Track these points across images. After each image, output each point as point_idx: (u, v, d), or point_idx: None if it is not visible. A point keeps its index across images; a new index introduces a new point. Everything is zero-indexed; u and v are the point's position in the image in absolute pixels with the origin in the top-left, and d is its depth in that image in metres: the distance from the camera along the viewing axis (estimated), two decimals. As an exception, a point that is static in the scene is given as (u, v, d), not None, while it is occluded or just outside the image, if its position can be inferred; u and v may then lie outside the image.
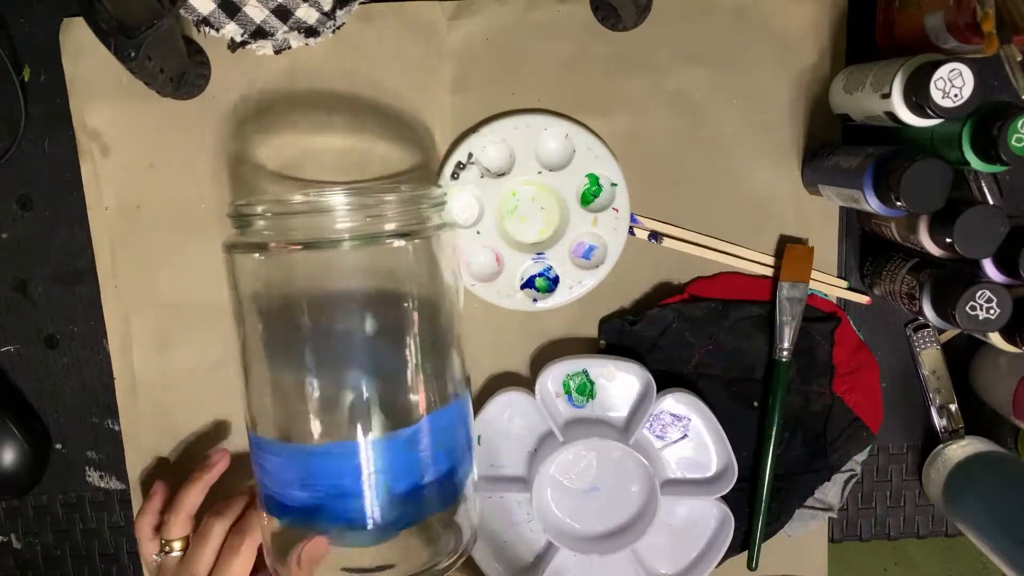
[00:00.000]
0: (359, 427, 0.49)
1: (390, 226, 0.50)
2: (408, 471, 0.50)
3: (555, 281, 0.63)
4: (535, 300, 0.63)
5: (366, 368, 0.50)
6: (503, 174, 0.62)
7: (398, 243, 0.50)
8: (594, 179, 0.62)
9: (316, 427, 0.50)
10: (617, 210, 0.62)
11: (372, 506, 0.49)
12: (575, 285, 0.62)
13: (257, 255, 0.50)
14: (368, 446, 0.49)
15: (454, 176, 0.61)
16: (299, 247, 0.48)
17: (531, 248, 0.63)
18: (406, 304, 0.51)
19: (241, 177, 0.62)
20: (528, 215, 0.63)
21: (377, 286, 0.51)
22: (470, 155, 0.61)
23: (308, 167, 0.62)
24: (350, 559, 0.50)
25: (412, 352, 0.51)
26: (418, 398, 0.51)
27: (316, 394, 0.50)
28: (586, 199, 0.63)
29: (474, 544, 0.54)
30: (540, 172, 0.61)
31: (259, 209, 0.50)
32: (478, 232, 0.62)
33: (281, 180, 0.62)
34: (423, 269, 0.53)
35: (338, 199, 0.50)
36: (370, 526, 0.49)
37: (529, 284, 0.63)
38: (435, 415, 0.51)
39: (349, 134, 0.62)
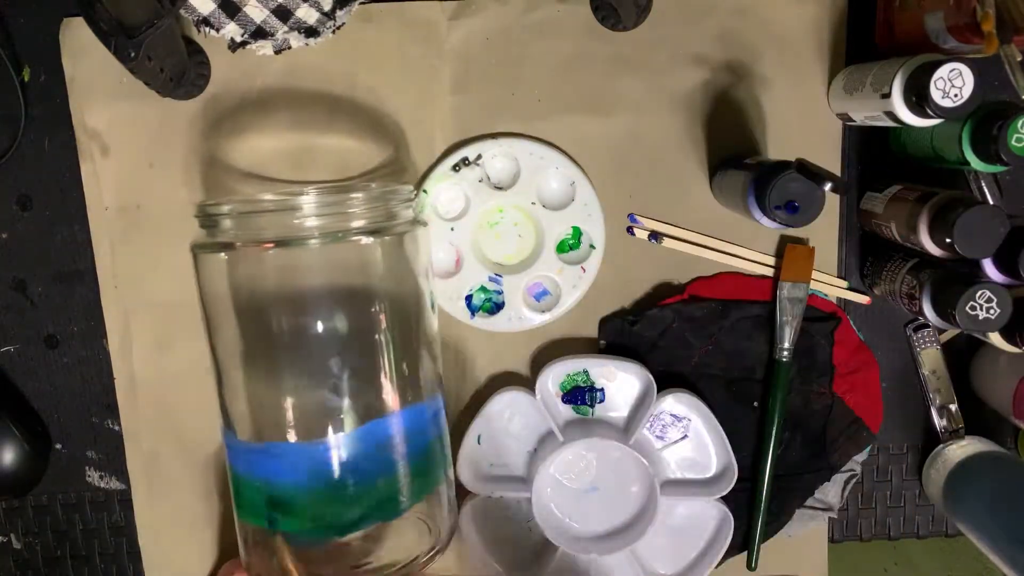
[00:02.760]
0: (330, 424, 0.49)
1: (358, 223, 0.50)
2: (380, 466, 0.50)
3: (499, 307, 0.63)
4: (472, 315, 0.63)
5: (336, 366, 0.50)
6: (500, 188, 0.62)
7: (366, 240, 0.50)
8: (577, 233, 0.63)
9: (288, 425, 0.50)
10: (584, 270, 0.62)
11: (346, 502, 0.49)
12: (514, 319, 0.63)
13: (223, 255, 0.50)
14: (340, 442, 0.49)
15: (456, 168, 0.61)
16: (265, 246, 0.48)
17: (492, 267, 0.63)
18: (376, 302, 0.51)
19: (241, 177, 0.62)
20: (504, 236, 0.63)
21: (346, 284, 0.51)
22: (479, 156, 0.61)
23: (308, 167, 0.62)
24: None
25: (383, 350, 0.51)
26: (389, 395, 0.51)
27: (287, 393, 0.50)
28: (562, 247, 0.63)
29: (448, 541, 0.54)
30: (534, 203, 0.62)
31: (224, 209, 0.50)
32: (452, 228, 0.62)
33: (281, 181, 0.62)
34: (393, 267, 0.52)
35: (305, 197, 0.49)
36: (344, 522, 0.49)
37: (470, 297, 0.63)
38: (407, 411, 0.51)
39: (349, 134, 0.62)
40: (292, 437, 0.50)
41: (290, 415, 0.50)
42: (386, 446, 0.50)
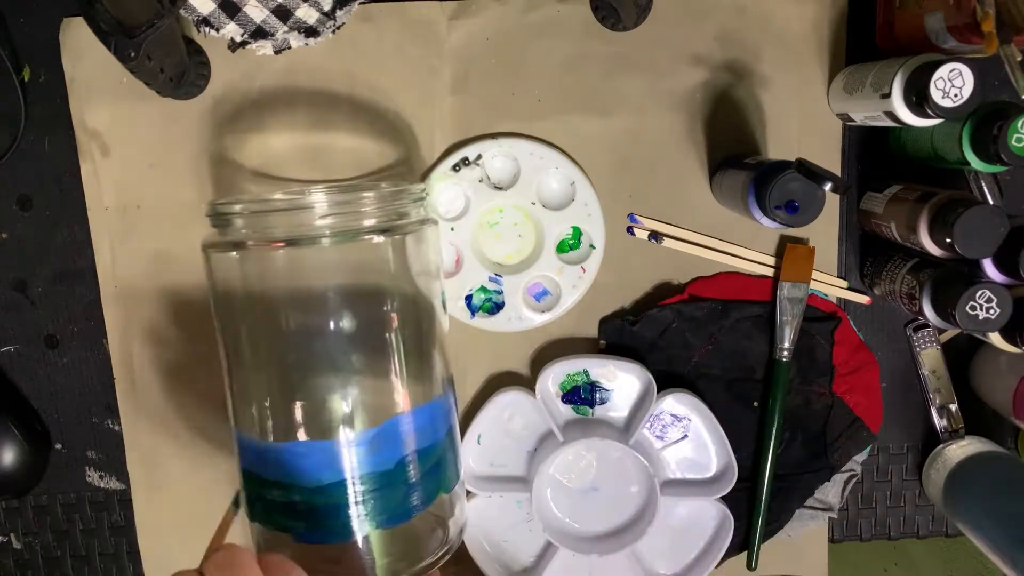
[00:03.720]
0: (341, 425, 0.49)
1: (369, 222, 0.50)
2: (390, 468, 0.50)
3: (499, 307, 0.63)
4: (472, 315, 0.63)
5: (347, 365, 0.50)
6: (500, 188, 0.62)
7: (377, 239, 0.50)
8: (577, 233, 0.63)
9: (299, 425, 0.50)
10: (584, 270, 0.62)
11: (355, 505, 0.49)
12: (515, 319, 0.63)
13: (235, 254, 0.49)
14: (351, 443, 0.49)
15: (455, 168, 0.61)
16: (277, 245, 0.48)
17: (492, 267, 0.63)
18: (387, 301, 0.51)
19: (241, 177, 0.62)
20: (504, 236, 0.63)
21: (357, 284, 0.51)
22: (479, 156, 0.61)
23: (308, 167, 0.62)
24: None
25: (393, 349, 0.51)
26: (400, 395, 0.51)
27: (298, 392, 0.50)
28: (562, 247, 0.63)
29: (459, 541, 0.54)
30: (534, 203, 0.62)
31: (237, 208, 0.50)
32: (452, 229, 0.62)
33: (280, 180, 0.62)
34: (404, 266, 0.52)
35: (316, 196, 0.49)
36: (353, 524, 0.49)
37: (470, 297, 0.63)
38: (417, 412, 0.51)
39: (349, 134, 0.62)
40: (303, 437, 0.49)
41: (300, 415, 0.50)
42: (397, 446, 0.50)
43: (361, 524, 0.49)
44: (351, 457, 0.49)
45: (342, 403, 0.49)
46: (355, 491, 0.49)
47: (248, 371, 0.51)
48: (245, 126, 0.61)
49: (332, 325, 0.49)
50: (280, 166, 0.62)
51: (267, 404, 0.50)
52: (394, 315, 0.51)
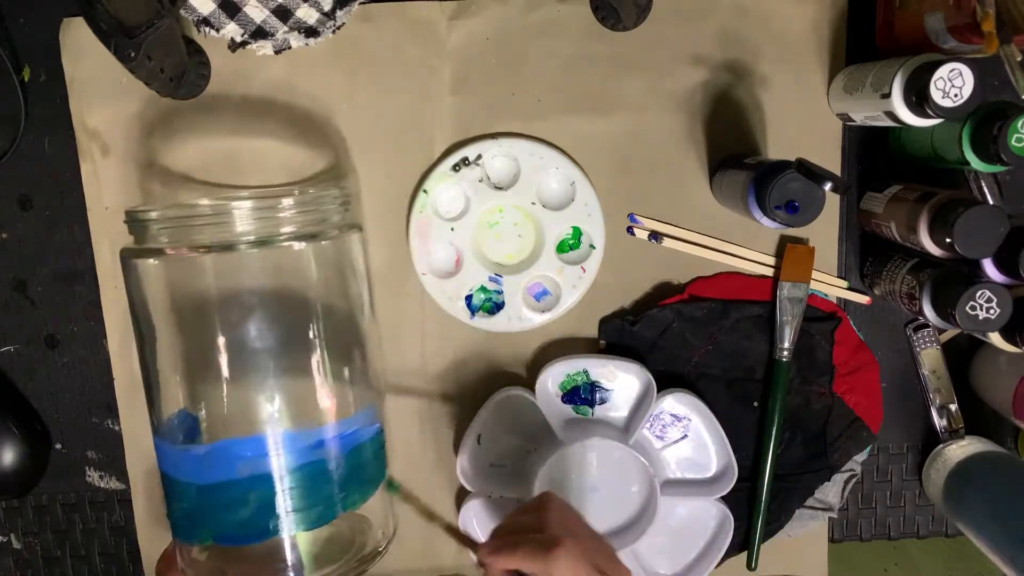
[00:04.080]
0: (267, 427, 0.49)
1: (288, 228, 0.50)
2: (314, 469, 0.49)
3: (499, 307, 0.63)
4: (472, 315, 0.63)
5: (271, 370, 0.49)
6: (500, 188, 0.62)
7: (298, 246, 0.50)
8: (577, 233, 0.63)
9: (223, 429, 0.49)
10: (584, 270, 0.62)
11: (280, 503, 0.48)
12: (514, 319, 0.63)
13: (153, 260, 0.49)
14: (276, 445, 0.49)
15: (456, 168, 0.61)
16: (194, 251, 0.48)
17: (492, 267, 0.63)
18: (309, 306, 0.51)
19: (240, 176, 0.62)
20: (504, 236, 0.63)
21: (279, 289, 0.51)
22: (479, 156, 0.61)
23: (308, 166, 0.62)
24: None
25: (317, 354, 0.51)
26: (324, 398, 0.51)
27: (221, 397, 0.49)
28: (562, 247, 0.63)
29: (388, 542, 0.53)
30: (534, 203, 0.62)
31: (153, 215, 0.49)
32: (452, 228, 0.62)
33: (279, 180, 0.62)
34: (326, 271, 0.52)
35: (234, 203, 0.49)
36: (281, 526, 0.49)
37: (470, 297, 0.63)
38: (342, 412, 0.51)
39: (348, 134, 0.62)
40: (226, 437, 0.49)
41: (225, 419, 0.49)
42: (320, 449, 0.50)
43: (287, 524, 0.49)
44: (276, 459, 0.48)
45: (265, 407, 0.49)
46: (282, 491, 0.48)
47: (168, 377, 0.50)
48: (244, 126, 0.61)
49: (253, 330, 0.49)
50: (279, 166, 0.62)
51: (190, 409, 0.50)
52: (316, 320, 0.51)
